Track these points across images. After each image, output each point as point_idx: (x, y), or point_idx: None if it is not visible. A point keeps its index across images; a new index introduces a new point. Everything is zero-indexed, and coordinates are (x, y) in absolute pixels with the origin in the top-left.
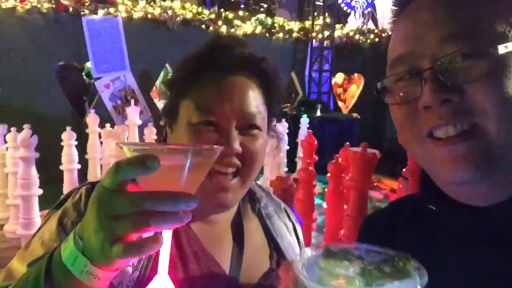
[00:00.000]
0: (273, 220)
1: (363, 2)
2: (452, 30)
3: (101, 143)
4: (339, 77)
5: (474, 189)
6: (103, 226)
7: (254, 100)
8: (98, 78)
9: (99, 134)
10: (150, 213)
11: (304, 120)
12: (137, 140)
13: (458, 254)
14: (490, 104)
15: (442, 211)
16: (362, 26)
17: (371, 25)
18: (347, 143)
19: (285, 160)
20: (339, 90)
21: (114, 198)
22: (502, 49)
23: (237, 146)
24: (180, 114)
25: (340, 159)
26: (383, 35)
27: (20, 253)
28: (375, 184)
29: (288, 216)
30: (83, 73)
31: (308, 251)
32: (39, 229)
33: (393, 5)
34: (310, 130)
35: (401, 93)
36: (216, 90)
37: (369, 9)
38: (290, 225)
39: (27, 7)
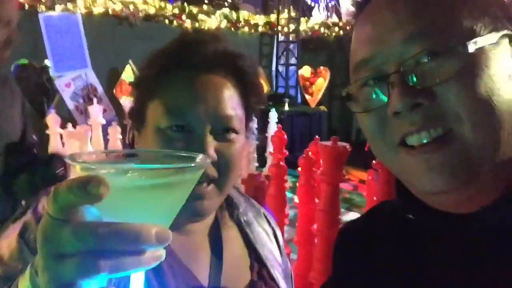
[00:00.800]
0: (253, 227)
1: None
2: (416, 29)
3: (63, 144)
4: (305, 71)
5: (453, 197)
6: (47, 266)
7: (230, 101)
8: (58, 77)
9: (61, 135)
10: (102, 253)
11: (273, 115)
12: (101, 140)
13: (440, 262)
14: (464, 107)
15: (421, 219)
16: (327, 19)
17: (335, 18)
18: (317, 136)
19: (255, 155)
20: (306, 84)
21: (59, 230)
22: (471, 45)
23: (212, 153)
24: (147, 117)
25: (310, 153)
26: (347, 28)
27: None
28: (346, 177)
29: (268, 222)
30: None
31: None
32: None
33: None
34: (280, 125)
35: (367, 100)
36: (187, 90)
37: (332, 2)
38: (270, 231)
39: None
